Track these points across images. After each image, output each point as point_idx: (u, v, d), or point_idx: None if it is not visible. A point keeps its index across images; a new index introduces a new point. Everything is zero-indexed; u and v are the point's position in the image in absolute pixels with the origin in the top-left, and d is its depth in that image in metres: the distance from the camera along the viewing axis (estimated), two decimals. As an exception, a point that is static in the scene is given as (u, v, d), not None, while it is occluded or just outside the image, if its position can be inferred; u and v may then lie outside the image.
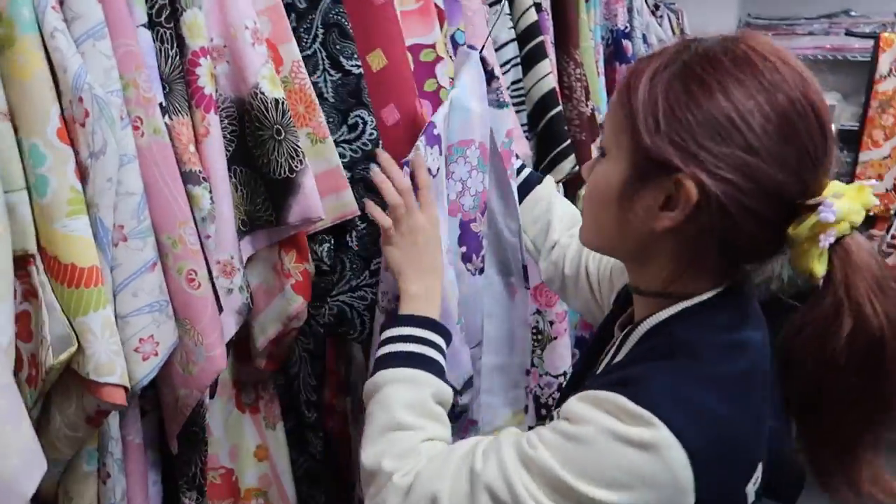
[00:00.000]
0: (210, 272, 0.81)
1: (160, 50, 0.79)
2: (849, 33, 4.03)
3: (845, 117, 4.04)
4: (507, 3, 1.53)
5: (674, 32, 2.86)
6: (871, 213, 3.54)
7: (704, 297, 0.69)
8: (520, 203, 1.12)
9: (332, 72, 0.96)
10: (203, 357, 0.80)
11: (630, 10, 2.28)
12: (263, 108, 0.83)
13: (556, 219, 1.09)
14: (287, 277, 0.91)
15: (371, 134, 0.98)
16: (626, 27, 2.21)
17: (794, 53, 0.64)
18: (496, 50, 1.49)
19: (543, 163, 1.61)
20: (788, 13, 4.31)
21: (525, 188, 1.14)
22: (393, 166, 0.92)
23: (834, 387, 0.63)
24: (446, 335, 0.82)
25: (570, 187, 1.82)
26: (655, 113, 0.62)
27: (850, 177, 3.87)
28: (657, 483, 0.59)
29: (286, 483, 1.02)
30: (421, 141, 0.92)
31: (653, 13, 2.60)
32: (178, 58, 0.80)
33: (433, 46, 1.17)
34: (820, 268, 0.62)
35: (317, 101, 0.92)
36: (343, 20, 0.96)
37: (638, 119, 0.63)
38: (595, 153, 1.87)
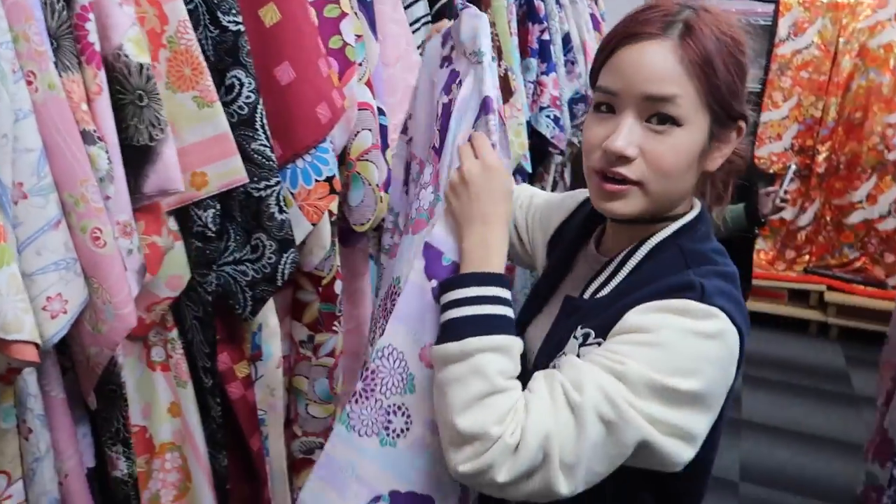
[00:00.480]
0: (112, 232, 0.79)
1: (47, 4, 0.76)
2: (751, -4, 4.21)
3: (748, 79, 4.23)
4: (415, -39, 1.52)
5: (586, -8, 2.90)
6: (772, 172, 3.76)
7: (693, 214, 0.84)
8: None
9: (212, 28, 0.92)
10: (112, 315, 0.79)
11: (542, -30, 2.29)
12: (126, 71, 0.80)
13: None
14: (140, 247, 0.86)
15: (248, 97, 0.94)
16: (538, -13, 2.23)
17: (744, 41, 0.81)
18: (405, 8, 1.48)
19: (456, 122, 1.63)
20: (696, -24, 4.44)
21: None
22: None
23: None
24: (507, 284, 0.80)
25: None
26: (731, 80, 0.77)
27: (752, 136, 4.08)
28: (723, 363, 0.73)
29: (198, 438, 1.02)
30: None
31: (565, -26, 2.62)
32: (65, 12, 0.77)
33: (337, 2, 1.15)
34: None
35: (204, 64, 0.88)
36: None
37: (724, 88, 0.77)
38: (508, 112, 1.92)
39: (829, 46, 3.94)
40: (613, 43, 0.79)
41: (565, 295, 0.90)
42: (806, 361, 3.61)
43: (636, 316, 0.73)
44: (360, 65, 1.23)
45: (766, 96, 4.10)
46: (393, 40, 1.39)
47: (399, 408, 0.83)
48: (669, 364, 0.70)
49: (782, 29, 4.01)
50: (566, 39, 2.45)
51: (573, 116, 2.47)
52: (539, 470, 0.69)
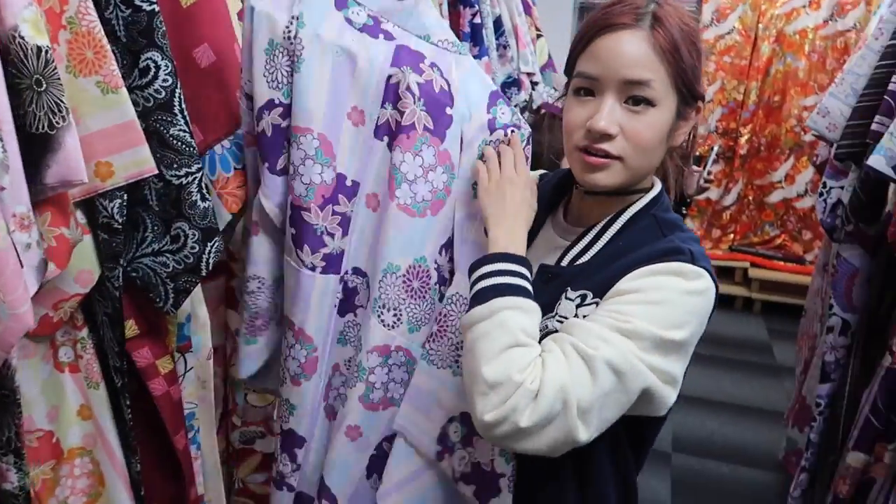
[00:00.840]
0: (7, 226, 0.74)
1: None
2: (676, -17, 4.31)
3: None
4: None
5: (517, -23, 2.90)
6: (698, 154, 3.86)
7: (658, 187, 0.96)
8: None
9: (123, 7, 0.87)
10: (6, 315, 0.74)
11: (472, -47, 2.28)
12: (22, 54, 0.74)
13: None
14: (40, 241, 0.82)
15: (165, 80, 0.90)
16: (469, -30, 2.22)
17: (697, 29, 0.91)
18: None
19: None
20: (624, -38, 4.52)
21: None
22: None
23: None
24: (529, 268, 0.88)
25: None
26: (693, 64, 0.87)
27: (679, 119, 4.20)
28: (704, 316, 0.85)
29: (112, 441, 0.98)
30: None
31: (495, -43, 2.61)
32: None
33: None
34: None
35: (108, 47, 0.84)
36: None
37: (689, 71, 0.87)
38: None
39: (749, 32, 4.08)
40: (591, 33, 0.89)
41: (540, 264, 0.96)
42: (732, 335, 3.77)
43: (634, 280, 0.83)
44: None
45: (692, 80, 4.22)
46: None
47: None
48: (668, 319, 0.80)
49: (706, 15, 4.13)
50: (497, 23, 2.45)
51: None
52: (558, 417, 0.76)
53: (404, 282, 0.96)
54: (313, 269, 0.98)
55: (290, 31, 0.92)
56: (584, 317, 0.86)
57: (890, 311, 1.67)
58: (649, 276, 0.82)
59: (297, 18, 0.92)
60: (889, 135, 1.45)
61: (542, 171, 1.11)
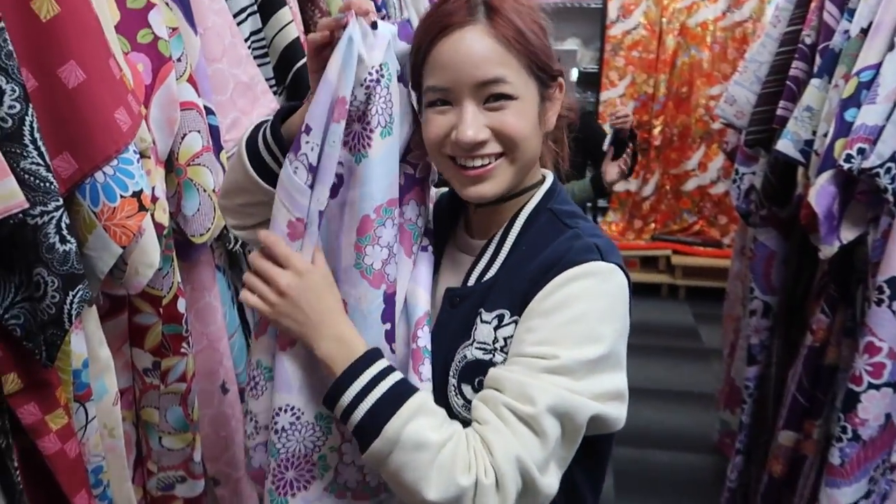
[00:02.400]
0: None
1: None
2: (582, -18, 4.40)
3: (586, 61, 4.44)
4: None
5: (424, -20, 2.88)
6: (623, 137, 3.91)
7: (550, 180, 0.90)
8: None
9: None
10: None
11: (375, -43, 2.23)
12: None
13: None
14: None
15: (12, 106, 0.77)
16: (373, -26, 2.17)
17: (537, 2, 0.85)
18: (227, -2, 1.36)
19: (297, 118, 1.54)
20: (530, -37, 4.58)
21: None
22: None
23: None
24: (379, 353, 0.81)
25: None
26: (542, 44, 0.82)
27: (595, 115, 4.29)
28: (625, 310, 0.81)
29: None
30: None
31: (400, -40, 2.58)
32: None
33: (142, -9, 1.03)
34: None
35: None
36: None
37: (540, 55, 0.81)
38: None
39: (654, 26, 4.21)
40: (428, 40, 0.80)
41: (446, 288, 0.89)
42: (660, 322, 3.86)
43: (550, 294, 0.77)
44: (179, 60, 1.11)
45: (604, 76, 4.32)
46: (215, 33, 1.28)
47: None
48: (591, 334, 0.76)
49: (612, 11, 4.24)
50: (407, 27, 2.41)
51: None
52: (527, 490, 0.73)
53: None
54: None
55: (371, 77, 0.80)
56: (506, 340, 0.80)
57: (807, 291, 1.72)
58: (564, 286, 0.77)
59: (383, 66, 0.80)
60: (794, 119, 1.49)
61: (445, 189, 1.02)
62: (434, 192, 1.03)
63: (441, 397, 0.82)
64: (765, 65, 1.76)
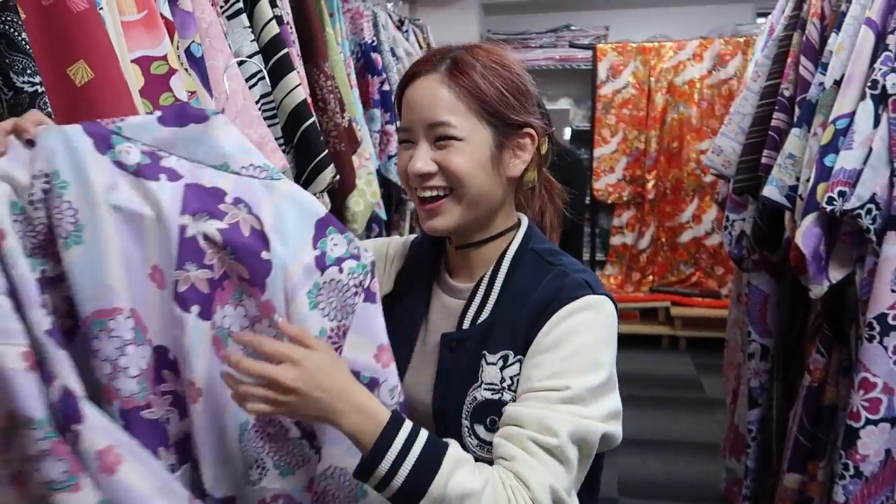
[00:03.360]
0: None
1: None
2: (572, 45, 4.58)
3: (578, 119, 4.58)
4: (245, 17, 1.50)
5: (421, 46, 3.02)
6: (610, 202, 4.02)
7: (525, 223, 0.98)
8: None
9: (5, 90, 0.84)
10: None
11: (376, 25, 2.36)
12: None
13: None
14: None
15: None
16: (374, 41, 2.29)
17: (530, 65, 1.00)
18: (239, 64, 1.45)
19: (304, 175, 1.61)
20: (521, 28, 4.78)
21: None
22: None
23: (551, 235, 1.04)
24: (403, 412, 0.83)
25: (336, 196, 1.84)
26: (501, 94, 0.90)
27: (590, 171, 4.40)
28: (615, 335, 0.88)
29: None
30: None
31: (398, 28, 2.72)
32: None
33: (164, 58, 1.10)
34: (536, 174, 1.02)
35: None
36: (11, 29, 0.84)
37: (493, 102, 0.89)
38: (357, 162, 1.93)
39: (643, 85, 4.36)
40: (402, 84, 0.94)
41: (441, 333, 0.93)
42: (662, 374, 3.86)
43: (551, 330, 0.84)
44: (194, 122, 1.18)
45: (596, 133, 4.45)
46: (229, 96, 1.36)
47: None
48: (592, 362, 0.83)
49: (602, 72, 4.40)
50: (407, 90, 2.52)
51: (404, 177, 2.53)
52: None
53: (257, 431, 0.83)
54: (172, 470, 0.81)
55: (37, 195, 0.74)
56: (513, 378, 0.85)
57: (803, 332, 1.76)
58: (563, 322, 0.85)
59: (51, 176, 0.74)
60: (778, 167, 1.56)
61: (414, 237, 1.11)
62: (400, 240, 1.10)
63: (455, 439, 0.85)
64: (748, 117, 1.85)
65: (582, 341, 0.84)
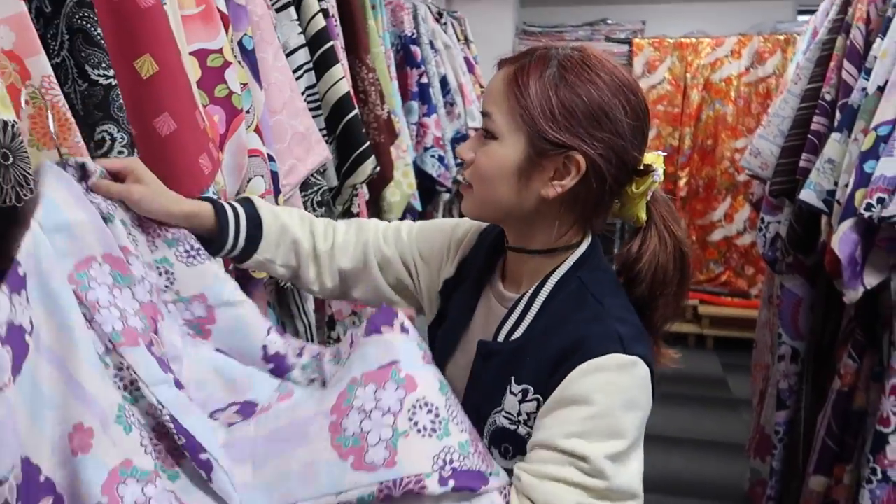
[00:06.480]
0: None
1: None
2: (608, 39, 4.56)
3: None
4: (294, 9, 1.54)
5: (458, 38, 3.04)
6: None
7: (584, 246, 0.90)
8: (254, 240, 0.99)
9: (80, 81, 0.88)
10: None
11: (416, 18, 2.39)
12: None
13: (296, 232, 1.03)
14: None
15: (121, 151, 0.89)
16: (413, 33, 2.32)
17: (591, 94, 0.83)
18: (287, 55, 1.49)
19: (345, 165, 1.65)
20: (557, 21, 4.77)
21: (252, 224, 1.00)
22: None
23: (663, 288, 0.90)
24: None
25: (374, 187, 1.88)
26: (550, 107, 0.82)
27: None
28: (645, 404, 0.81)
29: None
30: (3, 292, 0.61)
31: (437, 20, 2.74)
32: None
33: (220, 51, 1.15)
34: (643, 213, 0.90)
35: (72, 119, 0.83)
36: (88, 25, 0.88)
37: (535, 111, 0.82)
38: (394, 153, 1.97)
39: (678, 81, 4.33)
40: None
41: (478, 340, 0.92)
42: (688, 372, 3.85)
43: (573, 384, 0.79)
44: (248, 112, 1.23)
45: (630, 129, 4.43)
46: (277, 88, 1.40)
47: None
48: (615, 428, 0.78)
49: (637, 67, 4.37)
50: (444, 82, 2.55)
51: (456, 155, 2.56)
52: None
53: None
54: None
55: None
56: (529, 414, 0.83)
57: (834, 336, 1.76)
58: (588, 377, 0.78)
59: None
60: (816, 170, 1.56)
61: (486, 224, 1.03)
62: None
63: None
64: (787, 119, 1.85)
65: (605, 404, 0.78)
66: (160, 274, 0.87)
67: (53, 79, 0.83)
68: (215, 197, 1.03)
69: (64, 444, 0.64)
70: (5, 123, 0.76)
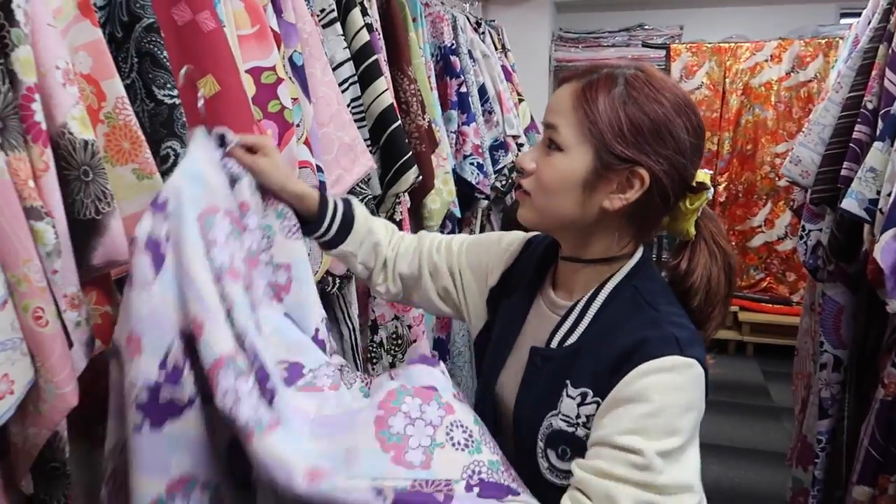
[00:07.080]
0: (58, 308, 0.79)
1: (-8, 86, 0.77)
2: (645, 45, 4.54)
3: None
4: (339, 25, 1.60)
5: (496, 47, 3.07)
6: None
7: (638, 255, 0.93)
8: (344, 233, 1.09)
9: (147, 101, 0.96)
10: (53, 395, 0.78)
11: (455, 28, 2.43)
12: (71, 147, 0.81)
13: (380, 236, 1.13)
14: (88, 319, 0.85)
15: None
16: (453, 44, 2.36)
17: (657, 113, 0.85)
18: (333, 69, 1.55)
19: (388, 175, 1.70)
20: (594, 27, 4.77)
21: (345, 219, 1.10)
22: None
23: (714, 300, 0.93)
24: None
25: (416, 195, 1.92)
26: (619, 122, 0.84)
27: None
28: (699, 403, 0.84)
29: None
30: (148, 209, 0.83)
31: (475, 30, 2.78)
32: (10, 93, 0.78)
33: (273, 69, 1.21)
34: (692, 228, 0.93)
35: (143, 137, 0.90)
36: (155, 48, 0.95)
37: (603, 126, 0.85)
38: (435, 162, 2.01)
39: (717, 86, 4.29)
40: (557, 86, 0.93)
41: (531, 346, 0.94)
42: (728, 379, 3.81)
43: (630, 384, 0.81)
44: (298, 126, 1.29)
45: (667, 134, 4.40)
46: (325, 101, 1.46)
47: None
48: (670, 427, 0.80)
49: (675, 72, 4.34)
50: (482, 91, 2.59)
51: (494, 162, 2.59)
52: None
53: None
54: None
55: None
56: (588, 417, 0.85)
57: (877, 345, 1.74)
58: (646, 377, 0.81)
59: None
60: (858, 179, 1.55)
61: (533, 234, 1.08)
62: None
63: (530, 455, 0.89)
64: (828, 127, 1.83)
65: (662, 402, 0.80)
66: (263, 237, 0.98)
67: (126, 100, 0.90)
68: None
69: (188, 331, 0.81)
70: (86, 143, 0.83)
